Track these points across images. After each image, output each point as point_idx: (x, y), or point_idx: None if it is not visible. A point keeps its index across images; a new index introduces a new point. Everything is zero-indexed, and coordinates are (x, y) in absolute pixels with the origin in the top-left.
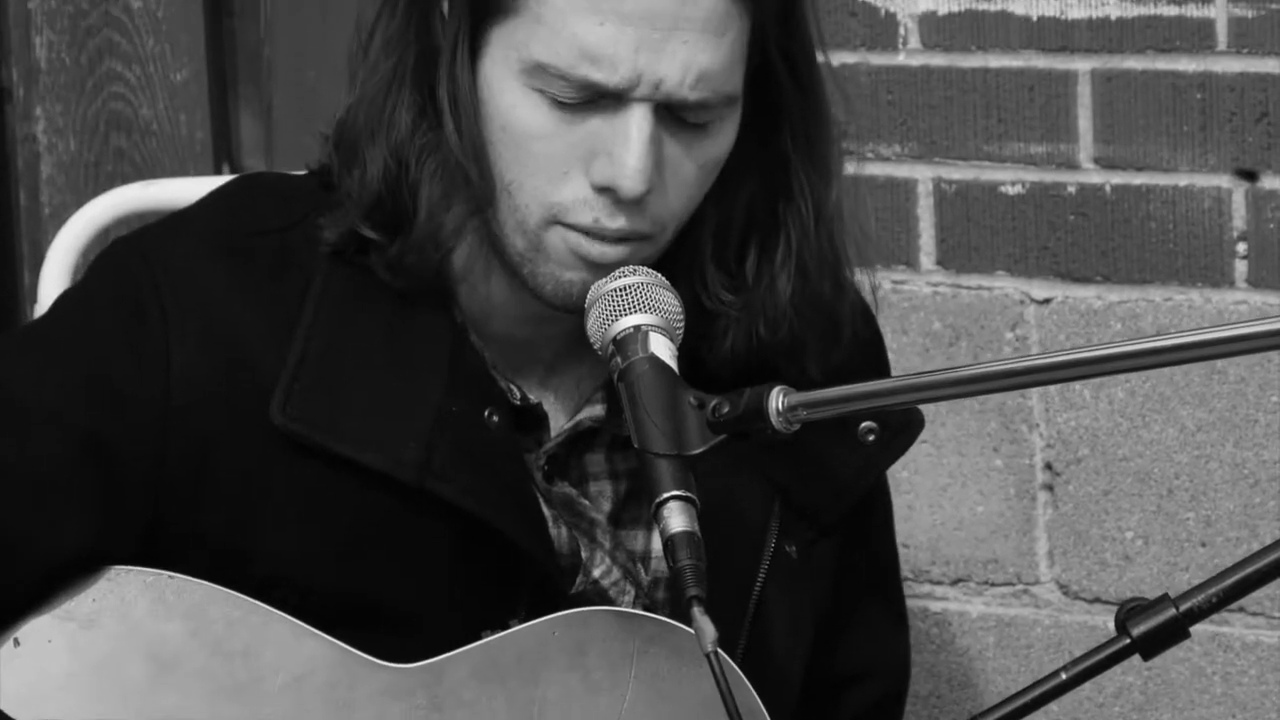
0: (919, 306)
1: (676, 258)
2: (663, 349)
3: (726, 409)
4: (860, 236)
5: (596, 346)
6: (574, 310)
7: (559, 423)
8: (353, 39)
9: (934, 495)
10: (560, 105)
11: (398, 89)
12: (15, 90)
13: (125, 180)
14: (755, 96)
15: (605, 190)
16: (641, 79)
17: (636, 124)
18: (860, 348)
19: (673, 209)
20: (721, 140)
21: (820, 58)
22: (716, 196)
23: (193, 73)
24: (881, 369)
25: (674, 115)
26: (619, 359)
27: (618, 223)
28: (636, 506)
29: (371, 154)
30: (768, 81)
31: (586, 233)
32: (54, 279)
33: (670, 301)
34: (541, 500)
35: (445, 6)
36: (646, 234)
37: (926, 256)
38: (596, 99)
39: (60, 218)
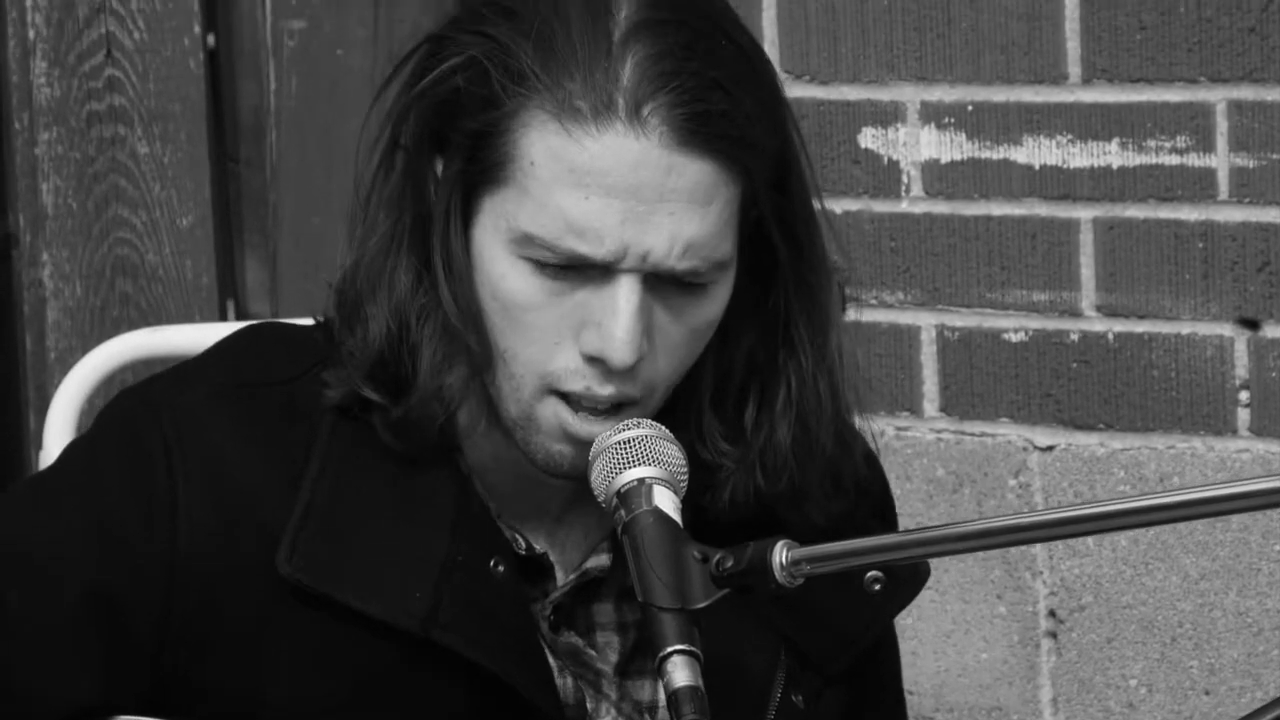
0: (922, 453)
1: (674, 408)
2: (666, 502)
3: (730, 563)
4: (860, 383)
5: (600, 499)
6: (565, 478)
7: (566, 572)
8: (351, 197)
9: (938, 642)
10: (549, 275)
11: (396, 251)
12: (22, 236)
13: (131, 325)
14: (751, 253)
15: (595, 360)
16: (628, 251)
17: (624, 295)
18: (866, 497)
19: (664, 373)
20: (714, 303)
21: (817, 205)
22: (716, 349)
23: (198, 218)
24: (888, 518)
25: (664, 281)
26: (623, 512)
27: (608, 390)
28: (643, 657)
29: (373, 313)
30: (763, 240)
31: (579, 401)
32: (59, 424)
33: (674, 454)
34: (547, 650)
35: (439, 169)
36: (637, 398)
37: (929, 403)
38: (584, 269)
39: (66, 362)
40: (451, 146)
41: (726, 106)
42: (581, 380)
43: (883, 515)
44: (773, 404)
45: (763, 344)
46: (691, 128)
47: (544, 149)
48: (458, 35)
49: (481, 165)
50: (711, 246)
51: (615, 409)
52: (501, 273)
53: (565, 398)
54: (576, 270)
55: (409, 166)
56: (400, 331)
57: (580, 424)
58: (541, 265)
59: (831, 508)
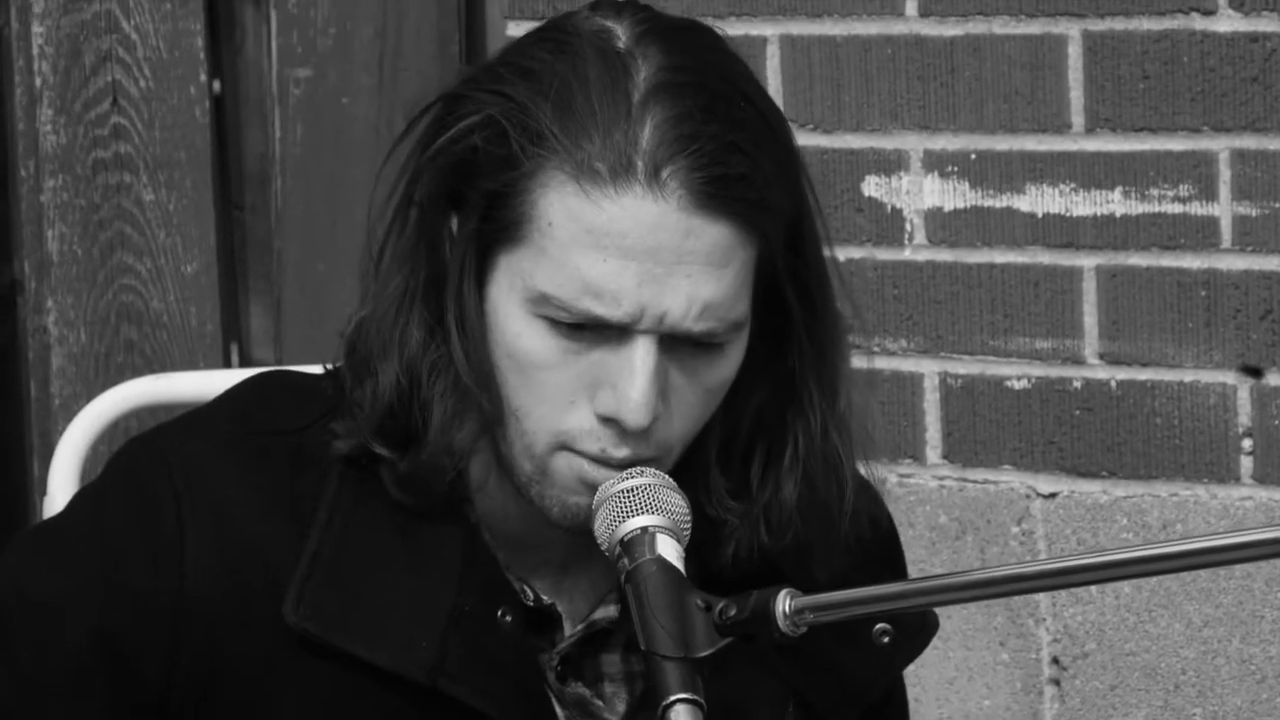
0: (925, 500)
1: (681, 463)
2: (670, 550)
3: (733, 611)
4: (865, 433)
5: (604, 548)
6: (581, 531)
7: (574, 622)
8: (364, 250)
9: (940, 689)
10: (565, 335)
11: (409, 306)
12: (27, 283)
13: (135, 371)
14: (764, 310)
15: (610, 421)
16: (645, 313)
17: (641, 357)
18: (871, 557)
19: (679, 433)
20: (728, 362)
21: (827, 252)
22: (726, 406)
23: (203, 265)
24: (897, 573)
25: (679, 342)
26: (626, 560)
27: (623, 452)
28: (652, 708)
29: (384, 368)
30: (775, 298)
31: (593, 459)
32: (63, 471)
33: (678, 503)
34: (555, 700)
35: (454, 226)
36: (652, 458)
37: (932, 450)
38: (600, 329)
39: (70, 409)
40: (467, 205)
41: (745, 170)
42: (596, 442)
43: (894, 573)
44: (779, 461)
45: (772, 401)
46: (710, 191)
47: (562, 210)
48: (474, 94)
49: (498, 224)
50: (728, 307)
51: (629, 467)
52: (517, 331)
53: (579, 455)
54: (592, 330)
55: (423, 223)
56: (411, 387)
57: (598, 471)
58: (557, 324)
59: (836, 565)
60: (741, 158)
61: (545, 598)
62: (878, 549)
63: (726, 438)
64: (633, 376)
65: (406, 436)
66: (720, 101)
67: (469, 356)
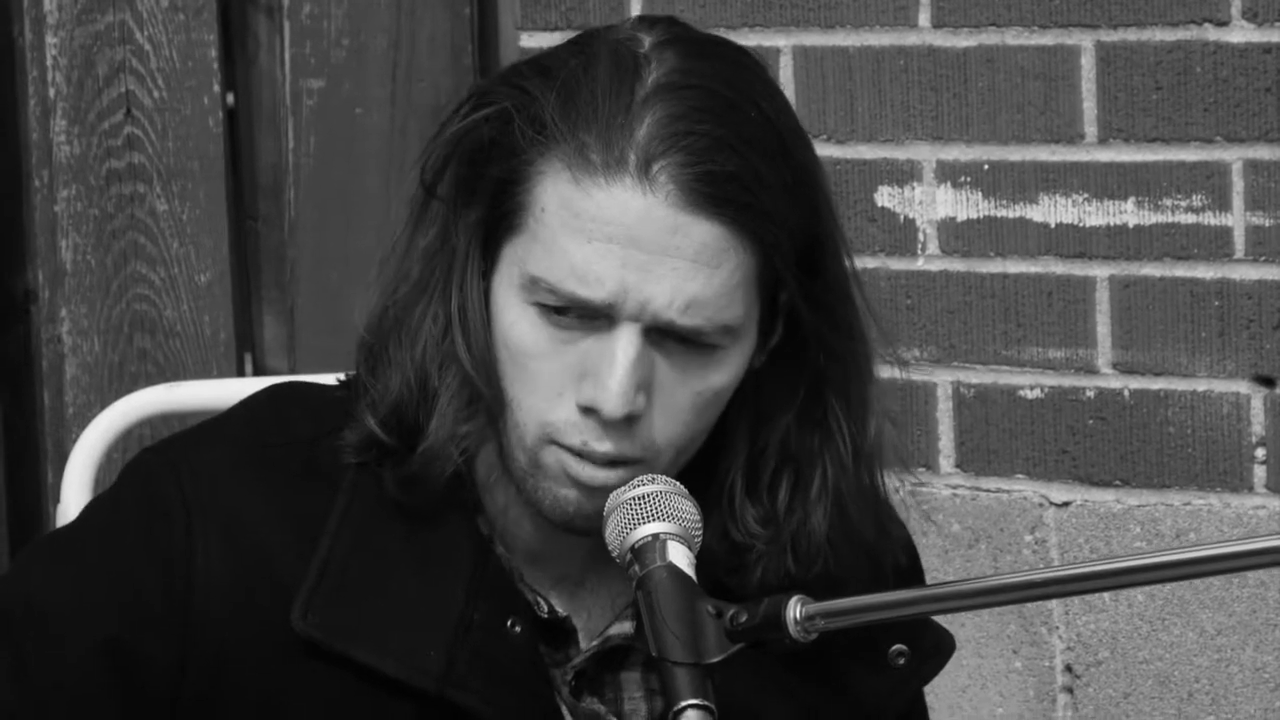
0: (938, 509)
1: (708, 487)
2: (680, 557)
3: (744, 618)
4: (895, 457)
5: (615, 555)
6: (573, 529)
7: (590, 639)
8: (387, 242)
9: (953, 696)
10: (554, 323)
11: (427, 298)
12: (40, 292)
13: (149, 380)
14: (787, 333)
15: (590, 412)
16: (627, 297)
17: (622, 345)
18: (905, 584)
19: (666, 434)
20: (724, 370)
21: (851, 274)
22: (752, 427)
23: (216, 275)
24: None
25: (673, 340)
26: (637, 567)
27: (604, 446)
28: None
29: (399, 358)
30: (793, 321)
31: (577, 454)
32: (77, 479)
33: (688, 510)
34: (568, 714)
35: (468, 216)
36: (636, 458)
37: (946, 459)
38: (589, 319)
39: (83, 417)
40: (477, 195)
41: (735, 169)
42: (579, 434)
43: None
44: (807, 489)
45: (800, 428)
46: (698, 188)
47: (555, 196)
48: (496, 88)
49: (501, 212)
50: (717, 308)
51: (614, 466)
52: (512, 320)
53: (565, 450)
54: (580, 319)
55: (444, 216)
56: (422, 378)
57: (582, 468)
58: (547, 310)
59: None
60: (732, 156)
61: (561, 611)
62: (905, 579)
63: (753, 461)
64: (612, 364)
65: (414, 430)
66: (723, 104)
67: (471, 347)
